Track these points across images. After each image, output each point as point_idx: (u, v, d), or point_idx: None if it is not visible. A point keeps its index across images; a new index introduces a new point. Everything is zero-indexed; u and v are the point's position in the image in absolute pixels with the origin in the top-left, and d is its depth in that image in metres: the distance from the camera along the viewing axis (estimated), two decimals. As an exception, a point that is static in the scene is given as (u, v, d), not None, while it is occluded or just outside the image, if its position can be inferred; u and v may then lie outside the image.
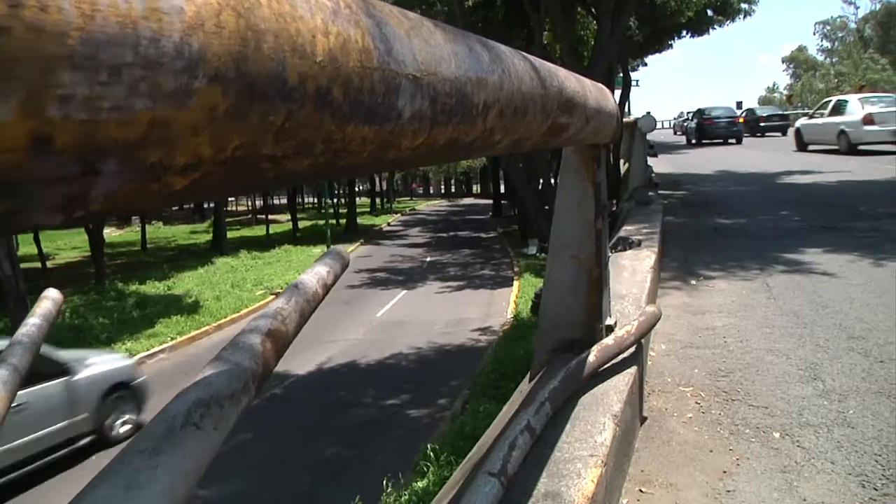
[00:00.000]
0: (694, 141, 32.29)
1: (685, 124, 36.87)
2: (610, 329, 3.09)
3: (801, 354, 4.16)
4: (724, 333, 4.70)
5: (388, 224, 48.60)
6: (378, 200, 64.37)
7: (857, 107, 20.62)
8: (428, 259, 33.01)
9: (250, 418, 15.11)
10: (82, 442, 10.66)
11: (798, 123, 25.08)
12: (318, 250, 36.11)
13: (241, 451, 13.15)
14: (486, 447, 2.59)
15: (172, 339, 20.49)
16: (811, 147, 22.64)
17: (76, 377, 10.65)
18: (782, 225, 8.92)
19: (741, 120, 31.11)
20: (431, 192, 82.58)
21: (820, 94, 71.37)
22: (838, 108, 21.62)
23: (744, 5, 27.62)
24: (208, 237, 41.57)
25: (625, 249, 5.81)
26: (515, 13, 15.25)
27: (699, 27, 28.45)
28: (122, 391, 12.18)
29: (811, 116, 24.06)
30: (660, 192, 12.90)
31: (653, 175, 12.62)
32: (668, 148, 31.25)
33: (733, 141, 30.13)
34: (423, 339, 19.21)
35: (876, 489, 2.62)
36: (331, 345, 19.69)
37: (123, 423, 11.89)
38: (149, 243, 45.01)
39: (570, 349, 3.01)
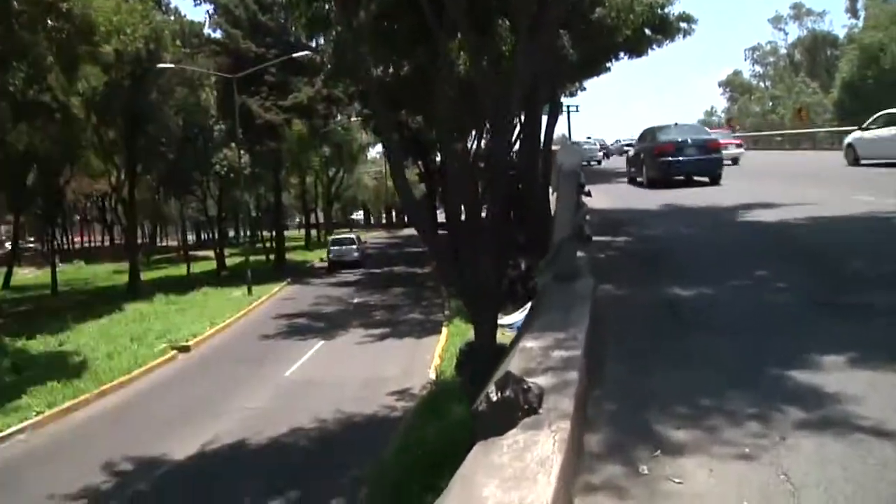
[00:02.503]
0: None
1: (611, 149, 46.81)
2: None
3: None
4: None
5: (321, 259, 45.07)
6: (315, 232, 60.90)
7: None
8: (355, 301, 29.82)
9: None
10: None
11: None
12: (238, 293, 32.64)
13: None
14: None
15: (39, 412, 16.85)
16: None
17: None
18: (766, 299, 6.04)
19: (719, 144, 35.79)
20: (372, 222, 79.23)
21: (756, 116, 70.53)
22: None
23: (683, 24, 25.26)
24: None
25: (509, 423, 2.84)
26: (422, 27, 12.25)
27: (637, 47, 25.95)
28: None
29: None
30: (597, 238, 10.06)
31: (586, 219, 9.64)
32: (608, 175, 28.81)
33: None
34: (330, 407, 16.03)
35: None
36: (225, 416, 16.36)
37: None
38: (65, 285, 40.88)
39: None
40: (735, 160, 27.37)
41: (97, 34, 19.81)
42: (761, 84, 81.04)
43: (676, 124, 22.18)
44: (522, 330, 4.67)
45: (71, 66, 20.44)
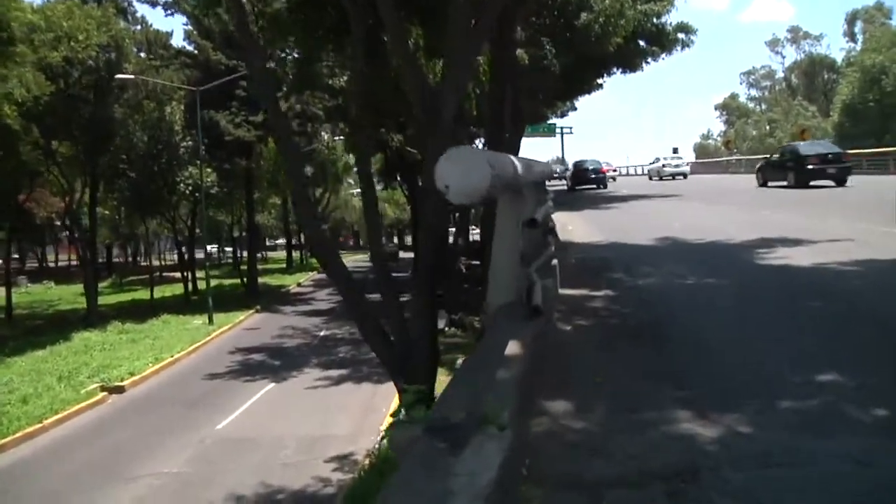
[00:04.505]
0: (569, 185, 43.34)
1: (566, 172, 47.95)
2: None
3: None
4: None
5: (299, 284, 41.86)
6: (299, 254, 57.65)
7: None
8: (322, 333, 26.68)
9: None
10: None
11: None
12: (198, 321, 29.44)
13: None
14: None
15: None
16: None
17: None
18: (864, 458, 3.01)
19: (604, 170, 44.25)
20: (362, 244, 76.00)
21: (753, 140, 67.63)
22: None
23: (681, 35, 22.38)
24: (99, 300, 33.98)
25: None
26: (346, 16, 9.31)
27: (631, 61, 23.13)
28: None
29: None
30: (569, 292, 7.04)
31: (552, 265, 6.59)
32: (609, 199, 25.94)
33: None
34: (255, 476, 12.86)
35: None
36: (129, 485, 13.13)
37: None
38: (26, 308, 37.74)
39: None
40: (614, 178, 46.21)
41: (10, 33, 16.72)
42: (757, 108, 78.15)
43: (587, 160, 40.18)
44: None
45: (-18, 68, 17.45)
